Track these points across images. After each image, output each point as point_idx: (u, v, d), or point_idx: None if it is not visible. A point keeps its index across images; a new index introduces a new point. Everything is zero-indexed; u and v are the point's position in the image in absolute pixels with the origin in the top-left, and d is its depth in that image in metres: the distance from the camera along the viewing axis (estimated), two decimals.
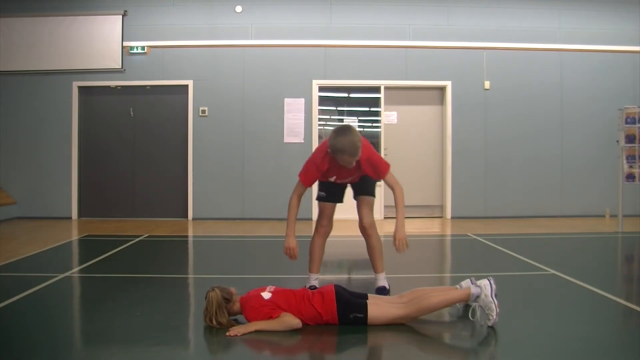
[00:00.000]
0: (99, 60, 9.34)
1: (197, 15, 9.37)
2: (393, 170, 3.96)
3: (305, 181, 3.91)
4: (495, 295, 3.38)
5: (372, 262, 4.19)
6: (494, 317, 3.32)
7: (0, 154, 9.35)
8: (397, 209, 3.82)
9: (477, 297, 3.42)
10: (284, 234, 3.91)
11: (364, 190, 4.17)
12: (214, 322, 3.30)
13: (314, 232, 4.22)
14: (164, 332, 3.31)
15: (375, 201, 4.28)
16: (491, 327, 3.32)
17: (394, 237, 3.78)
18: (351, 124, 3.92)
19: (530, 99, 9.47)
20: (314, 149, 9.12)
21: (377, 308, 3.38)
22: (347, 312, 3.35)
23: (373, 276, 4.22)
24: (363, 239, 4.22)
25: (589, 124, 9.46)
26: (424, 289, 3.55)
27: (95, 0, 9.43)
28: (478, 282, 3.48)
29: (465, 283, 3.62)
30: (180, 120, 9.42)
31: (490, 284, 3.43)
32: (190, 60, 9.36)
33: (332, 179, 4.02)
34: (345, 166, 3.77)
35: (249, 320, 3.35)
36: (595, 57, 9.52)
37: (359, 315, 3.35)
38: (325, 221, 4.18)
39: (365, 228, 4.14)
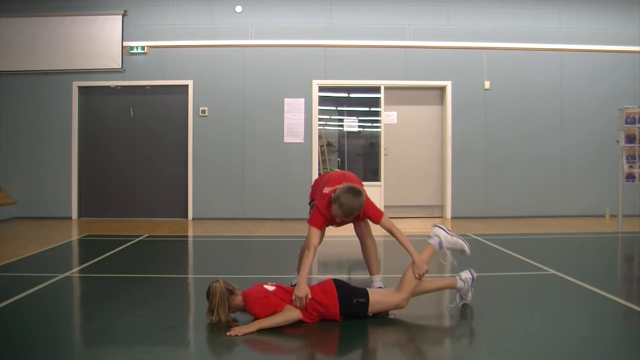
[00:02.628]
0: (99, 60, 9.34)
1: (197, 15, 9.37)
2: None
3: (317, 226, 3.81)
4: (472, 286, 3.72)
5: (368, 264, 4.21)
6: (469, 299, 3.71)
7: (0, 154, 9.36)
8: (406, 249, 3.66)
9: (460, 289, 3.73)
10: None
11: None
12: (217, 313, 3.32)
13: (307, 245, 4.11)
14: (164, 332, 3.32)
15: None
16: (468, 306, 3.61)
17: (415, 273, 3.56)
18: (355, 186, 3.79)
19: (530, 99, 9.47)
20: (313, 149, 9.26)
21: (377, 293, 3.54)
22: (350, 298, 3.40)
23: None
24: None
25: (589, 124, 9.46)
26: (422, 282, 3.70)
27: (95, 0, 9.42)
28: (463, 277, 3.73)
29: (465, 273, 3.78)
30: (180, 120, 9.42)
31: (472, 276, 3.74)
32: (190, 60, 9.36)
33: (334, 225, 4.02)
34: (341, 219, 3.78)
35: (253, 313, 3.37)
36: (595, 57, 9.52)
37: (361, 300, 3.43)
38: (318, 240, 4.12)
39: (361, 229, 4.15)
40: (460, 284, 3.71)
